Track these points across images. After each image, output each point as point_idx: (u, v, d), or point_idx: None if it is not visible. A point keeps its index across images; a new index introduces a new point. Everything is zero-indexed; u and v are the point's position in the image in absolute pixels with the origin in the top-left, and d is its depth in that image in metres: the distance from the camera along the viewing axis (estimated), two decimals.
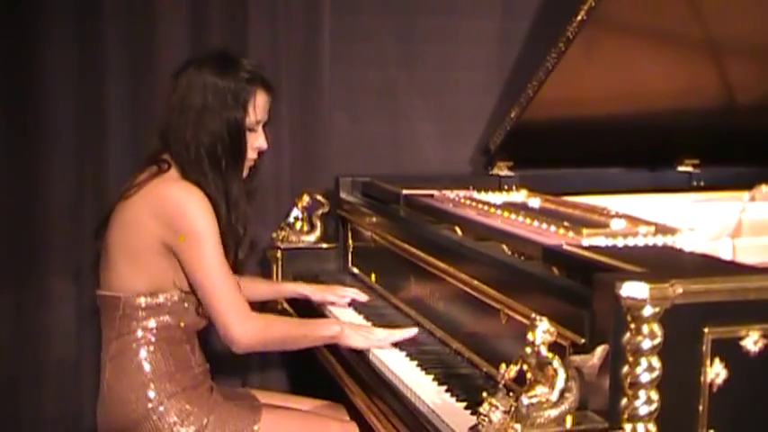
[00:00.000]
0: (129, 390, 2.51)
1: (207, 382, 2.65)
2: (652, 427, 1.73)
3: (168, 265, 2.52)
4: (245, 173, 2.68)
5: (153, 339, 2.54)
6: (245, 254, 2.74)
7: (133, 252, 2.52)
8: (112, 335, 2.56)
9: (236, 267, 2.63)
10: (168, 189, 2.51)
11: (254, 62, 2.70)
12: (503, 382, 1.82)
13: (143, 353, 2.53)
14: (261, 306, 3.09)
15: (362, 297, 3.17)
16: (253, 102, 2.60)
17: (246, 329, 2.50)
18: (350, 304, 3.15)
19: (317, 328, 2.71)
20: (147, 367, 2.52)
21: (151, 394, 2.50)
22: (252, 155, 2.67)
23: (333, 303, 3.13)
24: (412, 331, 2.68)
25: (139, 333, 2.53)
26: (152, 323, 2.54)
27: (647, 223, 2.33)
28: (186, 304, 2.57)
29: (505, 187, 3.46)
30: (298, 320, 2.98)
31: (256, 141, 2.66)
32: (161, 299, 2.54)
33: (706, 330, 1.78)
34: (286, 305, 3.32)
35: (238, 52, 2.83)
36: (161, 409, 2.49)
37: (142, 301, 2.53)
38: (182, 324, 2.58)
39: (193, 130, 2.53)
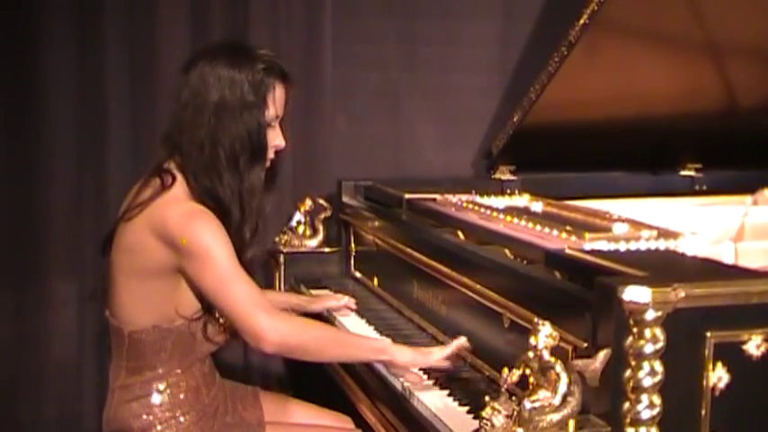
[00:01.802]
0: (135, 423, 2.42)
1: (214, 404, 2.52)
2: (654, 431, 1.73)
3: (172, 291, 2.37)
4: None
5: (162, 374, 2.41)
6: (252, 255, 2.50)
7: (137, 276, 2.37)
8: (122, 364, 2.44)
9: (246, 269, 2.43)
10: (171, 212, 2.31)
11: (269, 52, 2.47)
12: (505, 386, 1.82)
13: (151, 392, 2.41)
14: None
15: (353, 304, 3.12)
16: (272, 95, 2.40)
17: (275, 323, 2.28)
18: (353, 310, 3.13)
19: (361, 341, 2.52)
20: (153, 408, 2.41)
21: (155, 431, 2.42)
22: (269, 154, 2.47)
23: (335, 309, 3.08)
24: (461, 339, 2.48)
25: (148, 372, 2.41)
26: (161, 357, 2.40)
27: (650, 227, 2.33)
28: (192, 331, 2.41)
29: (508, 191, 3.46)
30: (338, 329, 2.80)
31: (274, 139, 2.46)
32: (165, 331, 2.39)
33: (708, 334, 1.77)
34: None
35: (251, 43, 2.63)
36: None
37: (146, 336, 2.39)
38: (190, 352, 2.44)
39: (210, 130, 2.34)
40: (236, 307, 2.29)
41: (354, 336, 2.63)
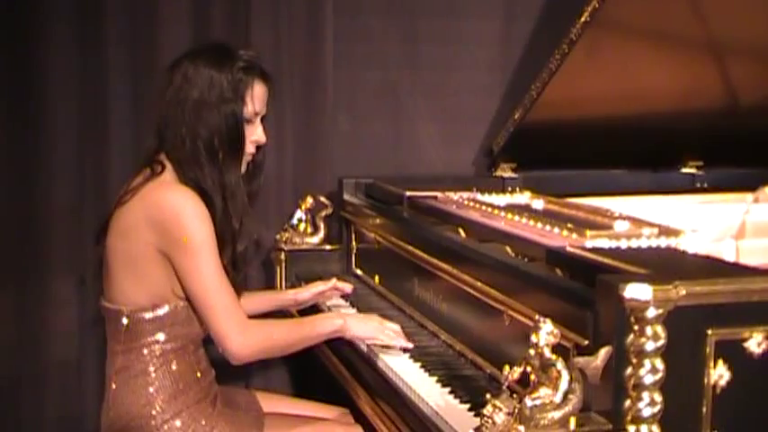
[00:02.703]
0: (134, 405, 2.45)
1: (211, 392, 2.57)
2: (656, 428, 1.73)
3: (166, 273, 2.43)
4: (242, 167, 2.58)
5: (159, 354, 2.46)
6: (245, 246, 2.60)
7: (132, 260, 2.45)
8: (118, 348, 2.49)
9: (237, 264, 2.55)
10: (163, 194, 2.43)
11: (250, 52, 2.59)
12: (506, 383, 1.82)
13: (149, 370, 2.45)
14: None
15: (347, 287, 3.04)
16: (250, 92, 2.51)
17: (245, 340, 2.41)
18: (349, 302, 3.15)
19: (317, 326, 2.61)
20: (152, 386, 2.45)
21: (155, 411, 2.44)
22: (249, 149, 2.57)
23: (323, 293, 3.02)
24: (408, 345, 2.64)
25: (145, 350, 2.46)
26: (158, 337, 2.46)
27: (651, 225, 2.33)
28: (189, 312, 2.48)
29: (509, 189, 3.47)
30: (296, 321, 2.85)
31: (254, 134, 2.56)
32: (164, 310, 2.46)
33: (709, 332, 1.77)
34: None
35: (235, 44, 2.73)
36: (165, 427, 2.43)
37: (145, 315, 2.45)
38: (187, 333, 2.50)
39: (190, 124, 2.45)
40: (212, 317, 2.41)
41: (312, 326, 2.62)
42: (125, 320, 2.47)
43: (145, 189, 2.45)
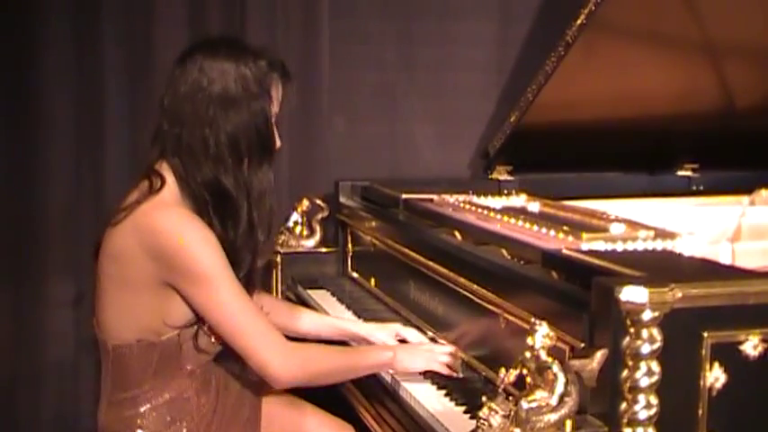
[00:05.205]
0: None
1: (204, 421, 2.38)
2: (651, 431, 1.73)
3: (159, 302, 2.25)
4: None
5: (148, 393, 2.30)
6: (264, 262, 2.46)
7: (123, 287, 2.26)
8: (108, 375, 2.35)
9: (253, 280, 2.36)
10: (160, 221, 2.21)
11: (268, 47, 2.45)
12: (502, 386, 1.82)
13: (139, 413, 2.30)
14: None
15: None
16: (276, 89, 2.35)
17: (287, 363, 2.24)
18: (345, 304, 3.15)
19: (368, 356, 2.46)
20: (142, 427, 2.31)
21: None
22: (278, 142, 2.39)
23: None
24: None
25: (134, 389, 2.30)
26: (147, 372, 2.29)
27: (647, 227, 2.33)
28: (181, 343, 2.30)
29: (505, 191, 3.46)
30: (343, 349, 2.58)
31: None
32: (152, 345, 2.27)
33: (705, 335, 1.78)
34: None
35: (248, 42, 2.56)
36: None
37: (131, 352, 2.28)
38: (178, 367, 2.32)
39: (214, 124, 2.24)
40: (247, 345, 2.24)
41: (362, 356, 2.49)
42: (111, 354, 2.32)
43: (139, 210, 2.23)
